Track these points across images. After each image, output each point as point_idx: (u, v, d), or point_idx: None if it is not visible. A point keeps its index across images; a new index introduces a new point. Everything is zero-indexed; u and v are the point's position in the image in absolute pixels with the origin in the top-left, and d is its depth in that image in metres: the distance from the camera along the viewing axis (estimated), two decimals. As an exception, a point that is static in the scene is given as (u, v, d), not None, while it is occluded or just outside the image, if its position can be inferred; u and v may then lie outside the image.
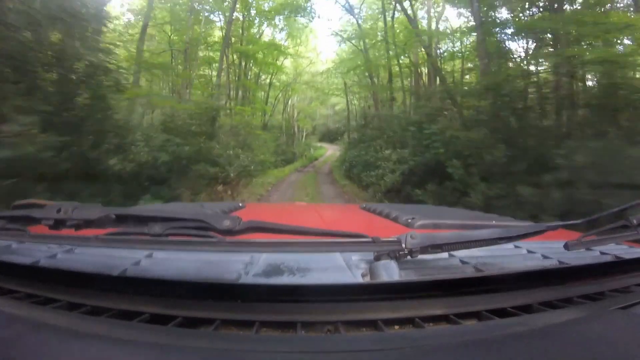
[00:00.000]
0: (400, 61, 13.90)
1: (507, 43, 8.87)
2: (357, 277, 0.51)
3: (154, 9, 12.11)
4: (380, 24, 14.23)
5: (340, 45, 17.78)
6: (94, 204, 0.63)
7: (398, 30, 13.46)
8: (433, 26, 13.72)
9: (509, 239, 0.55)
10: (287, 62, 20.97)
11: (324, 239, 0.59)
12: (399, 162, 8.40)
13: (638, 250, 0.67)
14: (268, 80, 19.28)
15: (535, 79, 7.26)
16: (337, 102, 28.58)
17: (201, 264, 0.56)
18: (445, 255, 0.58)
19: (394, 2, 12.50)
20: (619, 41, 6.26)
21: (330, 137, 33.76)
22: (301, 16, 15.07)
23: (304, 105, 27.72)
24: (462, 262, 0.56)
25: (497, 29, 8.53)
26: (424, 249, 0.50)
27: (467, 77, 12.50)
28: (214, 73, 15.05)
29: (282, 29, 17.56)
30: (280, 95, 21.93)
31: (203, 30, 13.95)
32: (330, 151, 28.77)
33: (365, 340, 0.38)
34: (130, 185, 5.77)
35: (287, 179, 13.57)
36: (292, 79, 21.53)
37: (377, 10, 14.98)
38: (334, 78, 20.12)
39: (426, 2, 13.69)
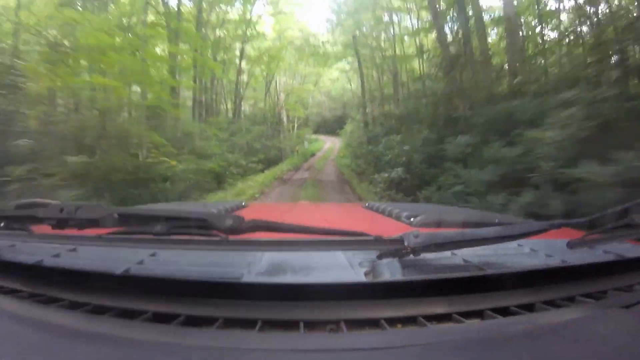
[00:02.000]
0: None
1: None
2: (359, 275, 0.51)
3: None
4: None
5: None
6: (97, 203, 0.63)
7: None
8: None
9: (512, 237, 0.55)
10: (268, 29, 16.62)
11: (326, 238, 0.59)
12: None
13: None
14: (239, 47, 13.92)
15: None
16: (334, 79, 22.94)
17: (204, 262, 0.56)
18: (448, 254, 0.58)
19: None
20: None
21: (327, 127, 29.52)
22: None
23: (295, 85, 21.15)
24: (465, 261, 0.56)
25: None
26: (427, 248, 0.50)
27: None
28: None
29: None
30: (256, 68, 16.39)
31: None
32: (329, 144, 24.28)
33: (367, 339, 0.38)
34: None
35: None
36: (275, 45, 16.33)
37: None
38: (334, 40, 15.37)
39: None
